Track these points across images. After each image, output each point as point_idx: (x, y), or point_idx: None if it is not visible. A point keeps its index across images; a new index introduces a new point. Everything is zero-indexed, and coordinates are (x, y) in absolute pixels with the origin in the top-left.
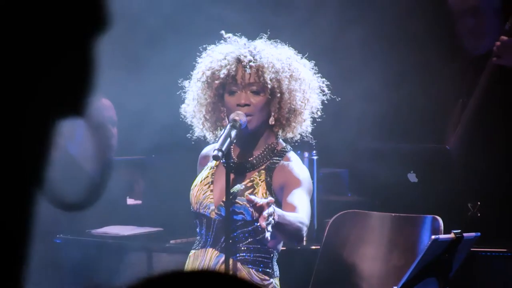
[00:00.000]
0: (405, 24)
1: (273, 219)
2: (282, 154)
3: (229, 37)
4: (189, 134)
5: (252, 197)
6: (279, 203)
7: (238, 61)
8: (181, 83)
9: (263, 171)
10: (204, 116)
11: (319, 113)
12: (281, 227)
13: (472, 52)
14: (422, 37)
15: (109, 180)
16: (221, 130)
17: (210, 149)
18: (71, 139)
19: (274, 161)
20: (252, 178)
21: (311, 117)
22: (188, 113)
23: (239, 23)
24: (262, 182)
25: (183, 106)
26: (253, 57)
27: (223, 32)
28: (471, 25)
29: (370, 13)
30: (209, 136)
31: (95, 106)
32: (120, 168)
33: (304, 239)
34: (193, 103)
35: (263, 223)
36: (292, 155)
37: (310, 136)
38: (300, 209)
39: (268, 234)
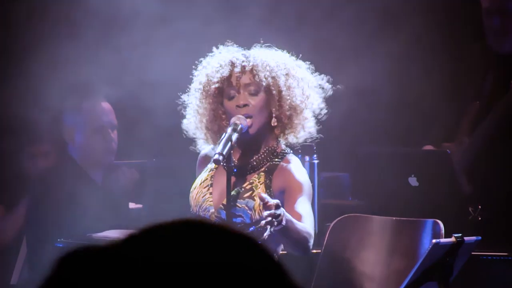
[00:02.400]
0: (412, 23)
1: (280, 221)
2: (282, 155)
3: (219, 49)
4: (192, 147)
5: (264, 195)
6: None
7: (232, 64)
8: (181, 95)
9: (262, 173)
10: (206, 126)
11: (323, 112)
12: (288, 234)
13: (496, 51)
14: (427, 38)
15: None
16: None
17: (209, 150)
18: (71, 142)
19: (274, 162)
20: (251, 181)
21: (315, 117)
22: (190, 127)
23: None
24: (261, 184)
25: (184, 121)
26: (246, 58)
27: (214, 48)
28: (497, 24)
29: (367, 11)
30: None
31: (95, 111)
32: (122, 171)
33: (310, 250)
34: (194, 115)
35: (263, 221)
36: (292, 157)
37: (313, 139)
38: (305, 219)
39: (266, 234)
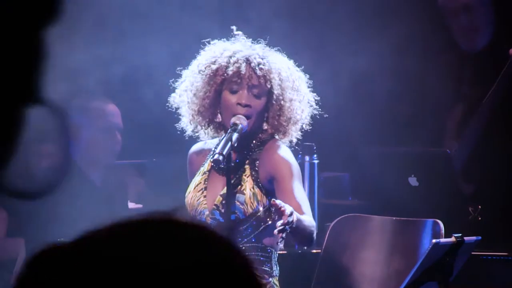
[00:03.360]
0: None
1: (292, 227)
2: (263, 143)
3: (238, 35)
4: (177, 124)
5: (278, 201)
6: (271, 194)
7: (248, 61)
8: (173, 83)
9: (247, 166)
10: (199, 109)
11: (307, 127)
12: (296, 232)
13: (468, 51)
14: (425, 38)
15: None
16: (209, 126)
17: (200, 147)
18: (76, 140)
19: (256, 152)
20: (237, 175)
21: (301, 129)
22: (180, 102)
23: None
24: (247, 177)
25: (173, 95)
26: (262, 60)
27: (234, 27)
28: (464, 23)
29: (367, 8)
30: (196, 130)
31: (104, 112)
32: (121, 172)
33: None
34: (188, 94)
35: (275, 231)
36: (273, 141)
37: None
38: (304, 208)
39: (280, 241)
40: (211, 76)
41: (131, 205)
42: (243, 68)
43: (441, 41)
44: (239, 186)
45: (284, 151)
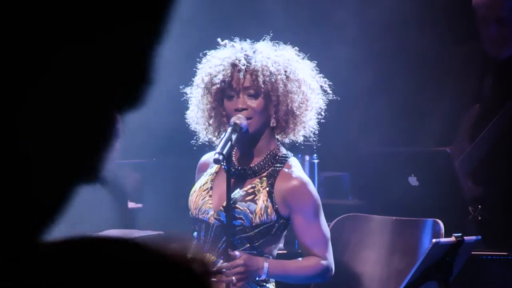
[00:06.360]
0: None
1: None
2: (283, 160)
3: (224, 45)
4: (193, 141)
5: (233, 253)
6: (280, 216)
7: (233, 66)
8: (183, 89)
9: (264, 178)
10: (207, 121)
11: (322, 114)
12: (280, 279)
13: (493, 58)
14: (425, 38)
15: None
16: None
17: (209, 156)
18: None
19: (276, 168)
20: (253, 185)
21: (316, 118)
22: (191, 119)
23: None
24: (263, 189)
25: (188, 112)
26: (248, 62)
27: (219, 39)
28: (494, 33)
29: (371, 10)
30: (215, 140)
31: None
32: (121, 171)
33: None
34: (195, 109)
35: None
36: (293, 161)
37: (315, 139)
38: (317, 250)
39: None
40: (207, 88)
41: (131, 204)
42: (230, 74)
43: (461, 36)
44: (253, 195)
45: (303, 178)
